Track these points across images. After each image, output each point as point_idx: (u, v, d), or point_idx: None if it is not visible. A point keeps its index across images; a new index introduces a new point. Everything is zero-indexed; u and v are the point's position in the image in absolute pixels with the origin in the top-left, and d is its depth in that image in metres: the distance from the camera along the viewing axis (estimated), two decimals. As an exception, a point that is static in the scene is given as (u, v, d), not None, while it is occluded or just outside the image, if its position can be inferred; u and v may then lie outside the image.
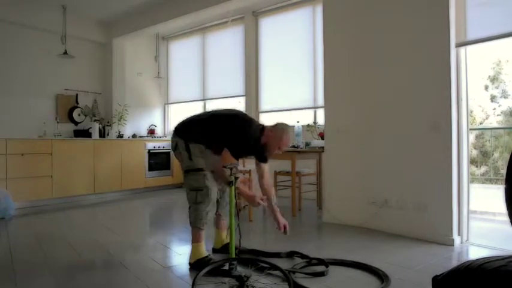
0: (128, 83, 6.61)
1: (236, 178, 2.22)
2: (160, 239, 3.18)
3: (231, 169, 2.22)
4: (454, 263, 2.32)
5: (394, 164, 3.16)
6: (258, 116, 5.72)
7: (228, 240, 2.45)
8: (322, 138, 4.00)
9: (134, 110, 6.65)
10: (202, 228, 2.37)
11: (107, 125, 6.16)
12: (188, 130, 2.48)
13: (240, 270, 2.12)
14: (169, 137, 6.64)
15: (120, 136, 6.23)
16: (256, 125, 2.49)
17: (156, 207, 5.02)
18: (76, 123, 5.99)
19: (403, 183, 3.09)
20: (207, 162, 2.39)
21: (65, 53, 5.48)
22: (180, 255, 2.68)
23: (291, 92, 5.38)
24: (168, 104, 7.24)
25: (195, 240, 2.39)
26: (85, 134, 5.88)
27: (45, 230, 3.57)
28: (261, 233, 3.50)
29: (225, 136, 2.35)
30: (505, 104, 7.83)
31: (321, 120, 4.68)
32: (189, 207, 2.42)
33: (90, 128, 5.88)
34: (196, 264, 2.31)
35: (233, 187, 2.20)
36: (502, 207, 1.42)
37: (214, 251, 2.68)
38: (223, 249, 2.62)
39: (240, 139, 2.37)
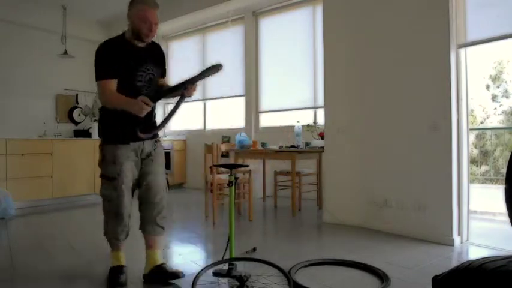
0: (128, 83, 6.60)
1: (236, 178, 2.20)
2: (160, 239, 3.17)
3: (231, 170, 2.21)
4: (454, 263, 2.31)
5: (394, 164, 3.15)
6: (257, 116, 5.72)
7: (163, 261, 2.18)
8: (322, 138, 3.99)
9: (134, 110, 6.63)
10: (114, 242, 2.17)
11: (107, 125, 6.15)
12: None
13: (240, 270, 2.12)
14: (169, 137, 6.65)
15: (120, 136, 6.22)
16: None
17: (156, 207, 5.01)
18: (76, 123, 5.99)
19: (403, 183, 3.09)
20: (121, 168, 2.10)
21: (65, 53, 5.49)
22: (179, 255, 2.68)
23: (291, 92, 5.38)
24: (168, 104, 7.23)
25: (112, 249, 2.20)
26: (85, 134, 5.88)
27: (45, 230, 3.57)
28: (261, 232, 3.51)
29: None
30: (506, 104, 7.82)
31: (321, 120, 4.67)
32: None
33: (90, 128, 5.88)
34: (109, 274, 2.11)
35: (233, 187, 2.18)
36: (502, 207, 1.42)
37: (144, 277, 2.15)
38: (155, 273, 2.12)
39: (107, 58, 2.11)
